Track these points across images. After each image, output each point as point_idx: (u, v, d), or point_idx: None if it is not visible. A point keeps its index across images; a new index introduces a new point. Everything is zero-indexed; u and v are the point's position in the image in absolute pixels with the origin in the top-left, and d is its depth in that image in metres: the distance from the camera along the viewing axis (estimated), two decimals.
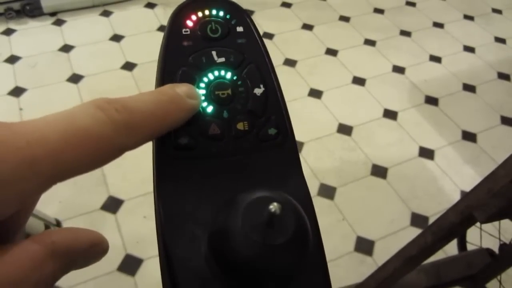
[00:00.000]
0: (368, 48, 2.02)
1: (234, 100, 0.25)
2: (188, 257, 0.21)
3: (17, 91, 1.64)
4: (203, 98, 0.25)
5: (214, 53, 0.26)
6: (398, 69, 1.93)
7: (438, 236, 0.63)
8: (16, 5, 1.92)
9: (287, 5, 2.21)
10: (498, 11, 2.36)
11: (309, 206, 0.22)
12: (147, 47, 1.89)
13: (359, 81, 1.85)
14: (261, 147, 0.24)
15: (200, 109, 0.25)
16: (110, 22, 1.99)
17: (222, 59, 0.26)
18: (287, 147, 0.25)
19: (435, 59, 2.01)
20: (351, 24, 2.14)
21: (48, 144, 0.15)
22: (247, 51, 0.27)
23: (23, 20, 1.94)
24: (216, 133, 0.24)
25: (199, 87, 0.25)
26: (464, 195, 0.59)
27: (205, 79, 0.25)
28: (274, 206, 0.17)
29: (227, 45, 0.26)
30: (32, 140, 0.15)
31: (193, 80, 0.25)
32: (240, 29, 0.27)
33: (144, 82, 1.72)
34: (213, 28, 0.27)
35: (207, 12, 0.27)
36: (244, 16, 0.28)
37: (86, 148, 0.16)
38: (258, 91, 0.26)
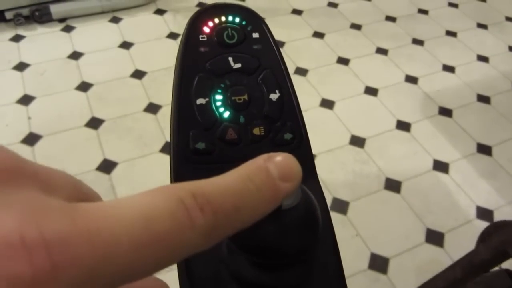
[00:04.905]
0: (380, 57, 1.99)
1: (250, 106, 0.26)
2: (206, 260, 0.22)
3: (25, 99, 1.62)
4: (220, 103, 0.25)
5: (230, 59, 0.26)
6: (411, 79, 1.90)
7: (468, 271, 0.60)
8: (25, 11, 1.90)
9: (297, 12, 2.19)
10: None
11: (323, 206, 0.24)
12: (157, 55, 1.86)
13: (371, 91, 1.82)
14: (277, 152, 0.25)
15: (217, 114, 0.25)
16: (119, 29, 1.97)
17: (239, 65, 0.26)
18: (303, 152, 0.26)
19: (449, 68, 1.98)
20: (363, 32, 2.11)
21: (117, 251, 0.12)
22: (263, 57, 0.27)
23: (32, 26, 1.93)
24: (233, 138, 0.25)
25: (215, 93, 0.25)
26: (498, 231, 0.56)
27: (222, 85, 0.26)
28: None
29: (243, 51, 0.27)
30: (98, 243, 0.12)
31: (210, 86, 0.26)
32: (256, 35, 0.27)
33: (153, 90, 1.70)
34: (230, 34, 0.27)
35: (223, 18, 0.27)
36: (260, 22, 0.28)
37: (158, 257, 0.14)
38: (274, 96, 0.26)
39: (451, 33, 2.17)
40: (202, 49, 0.26)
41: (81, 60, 1.81)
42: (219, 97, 0.25)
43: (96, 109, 1.61)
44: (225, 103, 0.25)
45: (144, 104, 1.63)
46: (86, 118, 1.57)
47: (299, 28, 2.10)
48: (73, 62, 1.79)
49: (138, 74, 1.76)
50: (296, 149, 0.25)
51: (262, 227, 0.18)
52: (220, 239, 0.16)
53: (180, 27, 1.98)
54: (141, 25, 2.02)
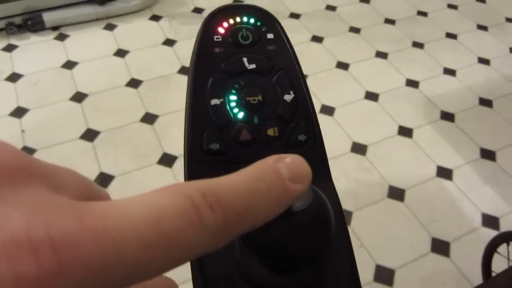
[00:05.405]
0: (380, 61, 1.96)
1: (264, 106, 0.25)
2: (219, 260, 0.21)
3: (19, 112, 1.58)
4: (234, 104, 0.25)
5: (245, 59, 0.26)
6: (412, 83, 1.87)
7: None
8: (17, 20, 1.86)
9: (295, 16, 2.15)
10: None
11: (337, 207, 0.23)
12: (153, 63, 1.83)
13: (372, 96, 1.79)
14: (290, 152, 0.23)
15: (232, 115, 0.25)
16: (114, 36, 1.94)
17: (253, 66, 0.26)
18: (316, 153, 0.26)
19: (449, 72, 1.95)
20: (362, 35, 2.08)
21: (125, 250, 0.12)
22: (278, 57, 0.27)
23: (25, 35, 1.89)
24: (247, 139, 0.25)
25: (230, 94, 0.25)
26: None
27: (236, 86, 0.26)
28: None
29: (258, 52, 0.27)
30: (106, 241, 0.12)
31: (224, 87, 0.25)
32: (270, 36, 0.27)
33: (150, 100, 1.66)
34: (244, 35, 0.27)
35: (238, 19, 0.27)
36: (274, 23, 0.28)
37: (167, 256, 0.13)
38: (288, 97, 0.26)
39: (451, 35, 2.14)
40: (216, 50, 0.26)
41: (75, 69, 1.77)
42: (233, 97, 0.25)
43: (91, 120, 1.57)
44: (239, 104, 0.25)
45: (141, 114, 1.60)
46: (81, 130, 1.53)
47: (297, 32, 2.07)
48: (67, 71, 1.76)
49: (134, 83, 1.73)
50: (310, 150, 0.25)
51: (272, 229, 0.18)
52: (230, 239, 0.15)
53: (176, 33, 1.94)
54: (136, 32, 1.98)
